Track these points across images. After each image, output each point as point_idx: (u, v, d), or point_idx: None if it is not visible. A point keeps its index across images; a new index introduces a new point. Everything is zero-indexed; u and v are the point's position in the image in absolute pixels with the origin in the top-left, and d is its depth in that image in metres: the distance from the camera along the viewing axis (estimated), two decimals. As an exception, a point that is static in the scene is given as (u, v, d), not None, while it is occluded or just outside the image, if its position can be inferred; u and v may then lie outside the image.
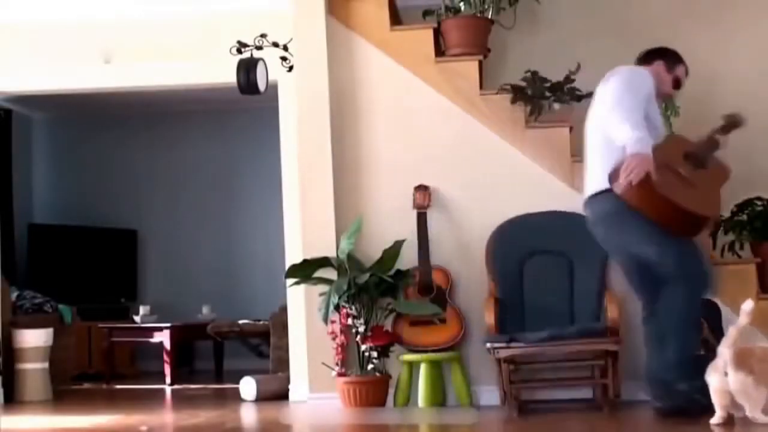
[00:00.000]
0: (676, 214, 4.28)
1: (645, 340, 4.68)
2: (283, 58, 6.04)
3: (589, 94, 5.53)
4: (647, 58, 4.84)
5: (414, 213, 5.51)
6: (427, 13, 5.90)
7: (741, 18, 6.07)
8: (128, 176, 9.90)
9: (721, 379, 4.02)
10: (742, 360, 3.98)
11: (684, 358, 4.41)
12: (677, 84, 4.87)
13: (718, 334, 5.10)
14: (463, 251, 5.53)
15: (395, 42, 5.70)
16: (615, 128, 4.37)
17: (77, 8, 6.31)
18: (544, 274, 5.34)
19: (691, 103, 5.77)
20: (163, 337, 7.89)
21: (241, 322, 8.19)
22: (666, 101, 5.10)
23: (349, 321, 5.36)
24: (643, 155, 4.21)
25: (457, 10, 5.78)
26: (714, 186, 4.51)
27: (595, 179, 4.56)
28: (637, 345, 5.06)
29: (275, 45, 6.01)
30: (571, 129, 5.58)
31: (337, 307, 5.32)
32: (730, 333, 4.04)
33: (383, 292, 5.39)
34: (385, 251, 5.41)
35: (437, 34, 5.79)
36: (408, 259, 5.42)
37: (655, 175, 4.21)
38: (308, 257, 5.50)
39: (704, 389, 4.13)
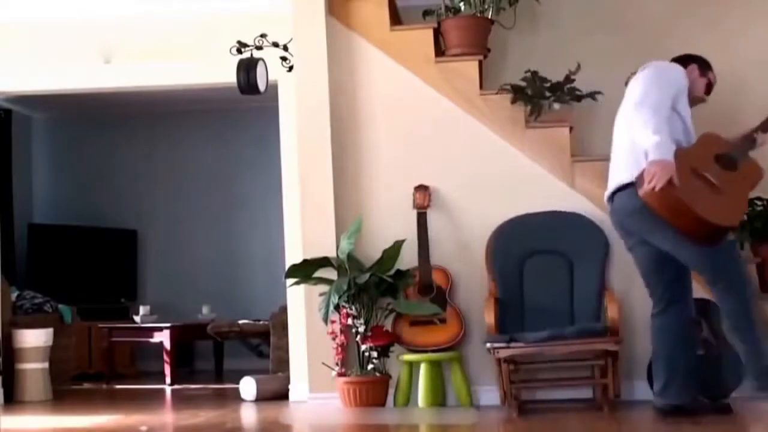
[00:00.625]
0: (696, 223, 4.22)
1: (652, 338, 4.61)
2: (283, 58, 6.04)
3: (590, 94, 5.57)
4: (681, 61, 4.75)
5: (414, 213, 5.51)
6: (427, 13, 5.90)
7: (742, 17, 6.07)
8: (128, 176, 9.90)
9: None
10: None
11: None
12: (709, 89, 4.82)
13: (719, 333, 5.12)
14: (463, 251, 5.53)
15: (395, 42, 5.70)
16: (638, 130, 4.33)
17: (77, 8, 6.32)
18: (544, 274, 5.34)
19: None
20: (163, 337, 7.89)
21: (241, 322, 8.19)
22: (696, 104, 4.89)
23: (349, 321, 5.36)
24: (664, 162, 4.16)
25: (457, 10, 5.78)
26: (742, 190, 4.44)
27: (620, 174, 4.49)
28: (637, 345, 5.06)
29: (275, 45, 6.01)
30: (571, 129, 5.58)
31: (337, 307, 5.31)
32: None
33: (383, 292, 5.39)
34: (385, 251, 5.41)
35: (437, 34, 5.79)
36: (408, 259, 5.42)
37: (677, 181, 4.16)
38: (308, 257, 5.50)
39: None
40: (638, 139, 4.33)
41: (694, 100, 4.73)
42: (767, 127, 4.63)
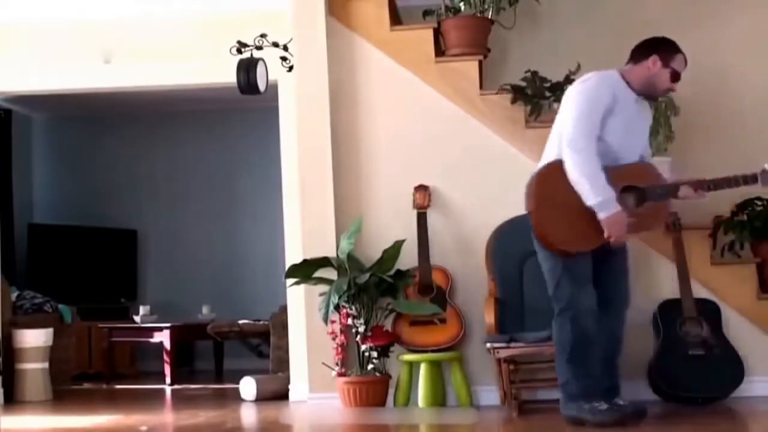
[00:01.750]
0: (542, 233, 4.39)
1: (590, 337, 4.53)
2: (283, 58, 6.04)
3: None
4: (642, 53, 4.50)
5: (414, 213, 5.51)
6: (427, 13, 5.90)
7: (743, 16, 6.07)
8: (128, 176, 9.90)
9: None
10: None
11: (562, 383, 4.43)
12: (675, 77, 4.48)
13: (719, 334, 5.12)
14: (463, 251, 5.52)
15: (395, 42, 5.70)
16: (572, 175, 4.29)
17: (77, 8, 6.31)
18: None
19: (692, 103, 5.78)
20: (163, 337, 7.89)
21: (241, 322, 8.19)
22: (664, 96, 4.82)
23: (349, 321, 5.36)
24: (615, 218, 4.23)
25: (457, 10, 5.78)
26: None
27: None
28: (636, 345, 5.06)
29: (275, 45, 6.01)
30: (571, 129, 5.57)
31: (337, 307, 5.31)
32: None
33: (383, 292, 5.39)
34: (385, 251, 5.41)
35: (437, 34, 5.78)
36: (408, 259, 5.42)
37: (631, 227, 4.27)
38: (308, 257, 5.50)
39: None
40: (576, 185, 4.29)
41: (660, 93, 4.59)
42: (698, 186, 4.48)
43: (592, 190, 4.24)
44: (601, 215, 4.23)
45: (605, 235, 4.24)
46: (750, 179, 4.46)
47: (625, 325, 4.57)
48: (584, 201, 4.26)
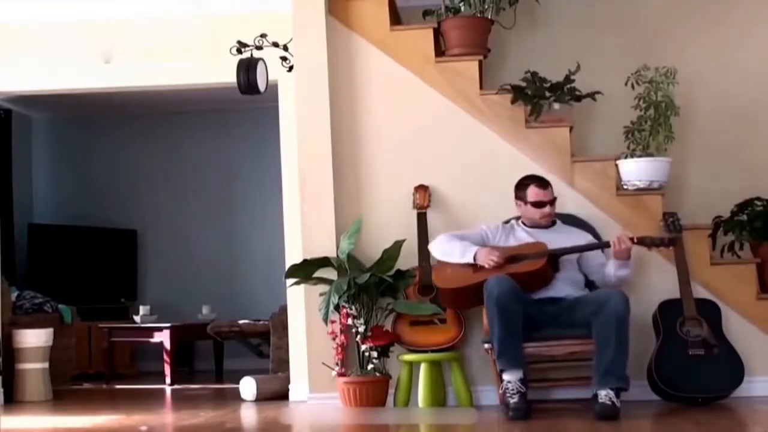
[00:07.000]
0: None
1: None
2: (283, 58, 6.04)
3: (590, 94, 5.58)
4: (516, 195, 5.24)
5: (414, 213, 5.51)
6: (427, 13, 5.90)
7: (742, 15, 6.07)
8: (128, 176, 9.90)
9: None
10: None
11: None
12: (537, 205, 5.11)
13: (719, 334, 5.12)
14: (463, 251, 5.51)
15: (395, 42, 5.70)
16: (441, 256, 5.20)
17: (77, 8, 6.31)
18: (544, 274, 5.34)
19: (690, 102, 5.78)
20: (163, 337, 7.89)
21: (241, 322, 8.19)
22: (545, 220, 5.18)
23: (349, 321, 5.35)
24: (480, 254, 5.00)
25: (457, 10, 5.78)
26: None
27: None
28: (637, 345, 5.06)
29: (275, 45, 6.01)
30: (571, 129, 5.58)
31: (337, 307, 5.31)
32: None
33: (383, 292, 5.39)
34: (385, 251, 5.41)
35: (437, 34, 5.78)
36: (408, 259, 5.42)
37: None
38: (308, 257, 5.50)
39: None
40: (445, 258, 5.17)
41: (539, 221, 5.14)
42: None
43: (452, 251, 5.09)
44: (470, 260, 5.01)
45: (485, 267, 4.95)
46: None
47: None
48: (458, 261, 5.06)
